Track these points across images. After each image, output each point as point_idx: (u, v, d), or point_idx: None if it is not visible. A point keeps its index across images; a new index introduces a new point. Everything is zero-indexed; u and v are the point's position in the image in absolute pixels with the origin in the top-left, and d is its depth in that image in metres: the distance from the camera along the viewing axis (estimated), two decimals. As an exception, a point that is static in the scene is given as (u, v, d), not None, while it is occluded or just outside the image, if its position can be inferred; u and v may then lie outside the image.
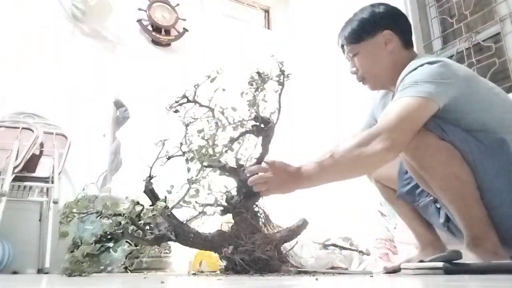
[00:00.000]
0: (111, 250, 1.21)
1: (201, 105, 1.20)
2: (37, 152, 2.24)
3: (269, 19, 3.99)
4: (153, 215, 1.16)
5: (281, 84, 1.13)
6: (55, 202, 2.11)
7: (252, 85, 1.13)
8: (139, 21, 3.09)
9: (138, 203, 1.23)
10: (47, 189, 2.24)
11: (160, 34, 3.14)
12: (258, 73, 1.12)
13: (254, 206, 1.24)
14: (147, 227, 1.21)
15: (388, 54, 1.29)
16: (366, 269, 1.72)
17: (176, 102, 1.16)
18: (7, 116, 2.35)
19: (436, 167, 1.10)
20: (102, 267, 1.23)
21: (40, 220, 2.34)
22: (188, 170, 1.18)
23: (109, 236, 1.20)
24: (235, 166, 1.24)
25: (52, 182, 2.19)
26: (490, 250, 1.04)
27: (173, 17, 3.20)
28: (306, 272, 1.22)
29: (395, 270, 1.23)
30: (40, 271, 2.20)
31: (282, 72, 1.13)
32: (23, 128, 2.23)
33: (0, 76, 2.47)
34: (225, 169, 1.21)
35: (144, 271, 2.17)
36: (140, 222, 1.18)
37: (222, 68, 1.14)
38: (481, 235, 1.07)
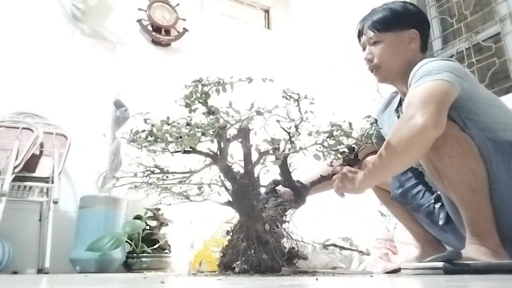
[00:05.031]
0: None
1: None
2: (37, 152, 2.24)
3: (269, 19, 3.99)
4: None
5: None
6: (55, 202, 2.11)
7: (368, 122, 1.29)
8: (139, 21, 3.09)
9: None
10: (47, 189, 2.23)
11: (160, 34, 3.14)
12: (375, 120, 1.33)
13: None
14: None
15: (408, 52, 1.32)
16: (366, 269, 1.72)
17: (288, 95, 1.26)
18: (7, 116, 2.35)
19: (454, 158, 1.08)
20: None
21: (40, 220, 2.34)
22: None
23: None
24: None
25: (52, 182, 2.18)
26: (491, 249, 1.04)
27: (173, 17, 3.20)
28: (306, 272, 1.22)
29: (395, 270, 1.23)
30: (40, 271, 2.20)
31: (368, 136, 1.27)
32: (23, 128, 2.23)
33: (0, 76, 2.47)
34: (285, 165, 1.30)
35: (144, 271, 2.17)
36: None
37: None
38: (484, 233, 1.07)
